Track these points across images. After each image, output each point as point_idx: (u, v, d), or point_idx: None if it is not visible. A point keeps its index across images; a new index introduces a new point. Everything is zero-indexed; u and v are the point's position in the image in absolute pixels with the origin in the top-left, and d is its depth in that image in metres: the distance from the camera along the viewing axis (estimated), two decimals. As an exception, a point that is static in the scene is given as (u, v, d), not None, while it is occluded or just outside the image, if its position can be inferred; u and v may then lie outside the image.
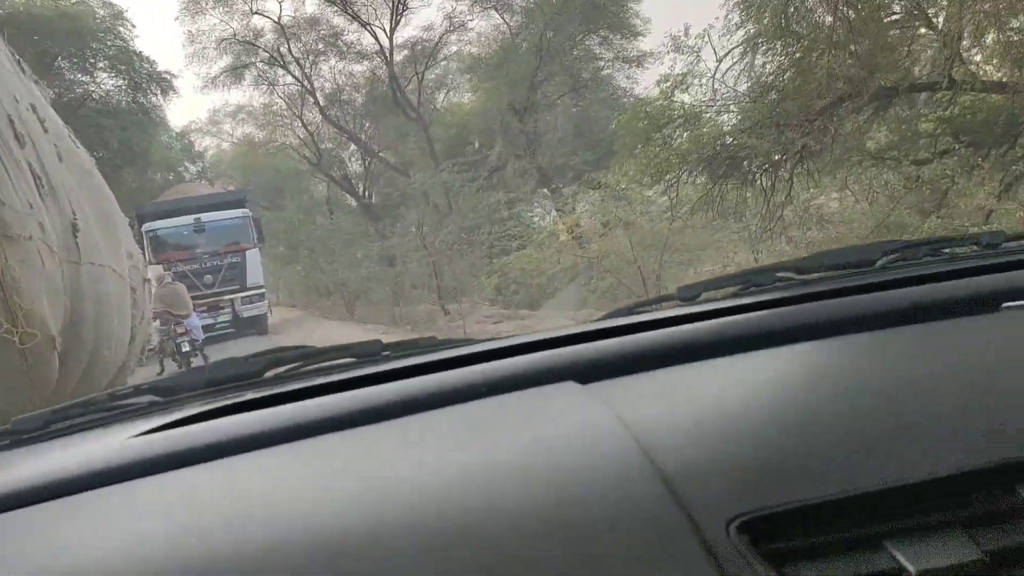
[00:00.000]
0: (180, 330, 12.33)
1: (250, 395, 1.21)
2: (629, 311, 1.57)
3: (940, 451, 0.73)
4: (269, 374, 1.41)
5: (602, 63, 26.29)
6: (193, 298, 17.03)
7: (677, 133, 10.13)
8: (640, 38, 25.47)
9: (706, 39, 10.29)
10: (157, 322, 12.26)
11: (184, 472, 0.90)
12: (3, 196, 3.64)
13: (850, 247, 1.99)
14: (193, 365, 11.65)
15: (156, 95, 20.98)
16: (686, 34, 11.32)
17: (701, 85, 10.52)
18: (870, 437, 0.76)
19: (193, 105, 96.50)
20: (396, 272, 20.74)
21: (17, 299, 3.65)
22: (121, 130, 18.92)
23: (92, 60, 18.25)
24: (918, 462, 0.71)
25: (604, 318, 1.57)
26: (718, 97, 10.18)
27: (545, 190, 24.36)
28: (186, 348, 12.27)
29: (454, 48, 28.13)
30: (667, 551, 0.64)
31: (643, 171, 10.62)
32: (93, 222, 5.20)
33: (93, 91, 19.14)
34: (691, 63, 10.86)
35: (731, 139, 9.36)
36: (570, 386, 0.99)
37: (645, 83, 25.44)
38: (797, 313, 1.19)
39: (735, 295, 1.47)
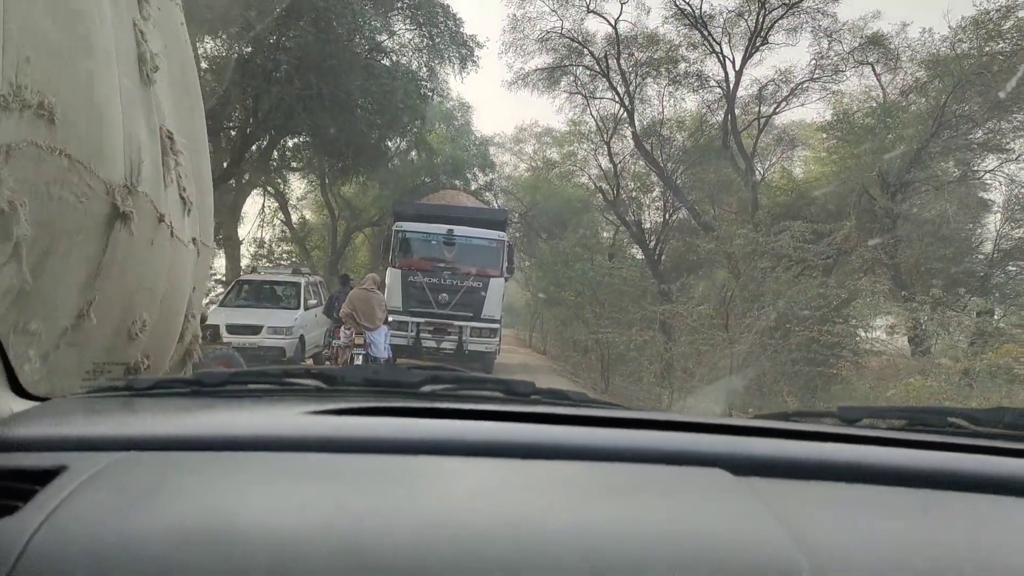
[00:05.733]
0: (359, 341, 11.45)
1: (406, 403, 1.30)
2: (786, 417, 1.67)
3: None
4: (425, 388, 1.53)
5: (1011, 154, 19.68)
6: (422, 314, 15.26)
7: None
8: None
9: None
10: (342, 327, 11.78)
11: (343, 457, 0.98)
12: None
13: None
14: None
15: (454, 63, 17.82)
16: None
17: None
18: None
19: (493, 102, 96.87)
20: (677, 351, 15.77)
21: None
22: (412, 94, 15.57)
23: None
24: None
25: (759, 417, 1.71)
26: None
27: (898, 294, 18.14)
28: (358, 362, 11.30)
29: (815, 98, 22.81)
30: None
31: None
32: None
33: (384, 41, 16.18)
34: None
35: None
36: (721, 474, 0.98)
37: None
38: (970, 463, 1.12)
39: (900, 428, 1.48)
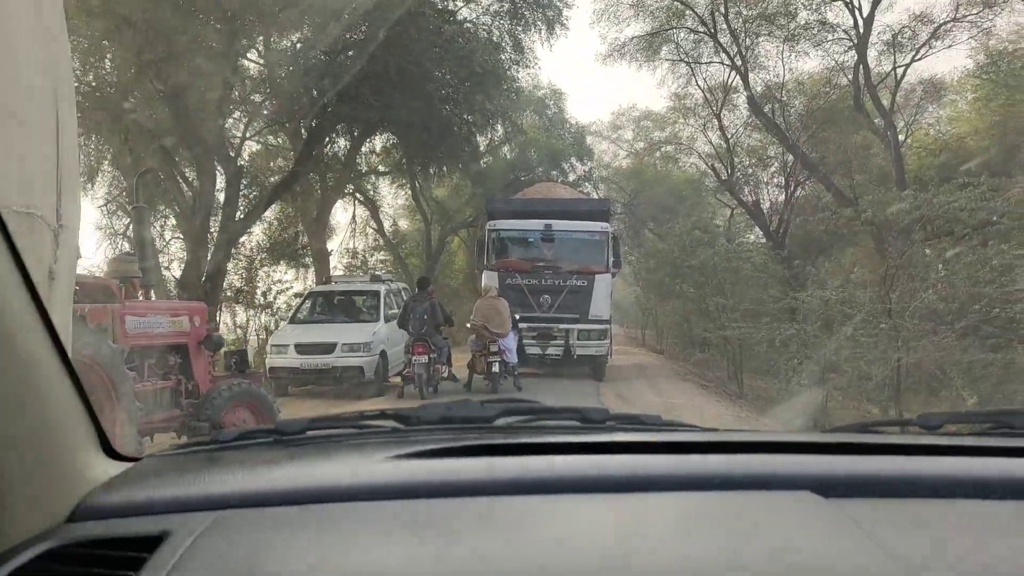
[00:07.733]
0: (493, 348, 11.35)
1: (483, 439, 1.31)
2: (865, 428, 1.62)
3: None
4: (500, 422, 1.53)
5: None
6: (524, 319, 13.78)
7: None
8: None
9: None
10: (473, 337, 11.84)
11: (433, 503, 0.97)
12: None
13: None
14: (502, 389, 11.35)
15: (539, 27, 15.78)
16: None
17: None
18: None
19: (587, 86, 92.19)
20: (831, 345, 13.18)
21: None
22: (490, 59, 13.58)
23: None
24: None
25: (837, 431, 1.62)
26: None
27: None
28: (496, 369, 11.37)
29: (963, 41, 19.60)
30: None
31: None
32: None
33: (459, 7, 14.16)
34: None
35: None
36: (810, 496, 0.94)
37: None
38: None
39: (983, 433, 1.45)
